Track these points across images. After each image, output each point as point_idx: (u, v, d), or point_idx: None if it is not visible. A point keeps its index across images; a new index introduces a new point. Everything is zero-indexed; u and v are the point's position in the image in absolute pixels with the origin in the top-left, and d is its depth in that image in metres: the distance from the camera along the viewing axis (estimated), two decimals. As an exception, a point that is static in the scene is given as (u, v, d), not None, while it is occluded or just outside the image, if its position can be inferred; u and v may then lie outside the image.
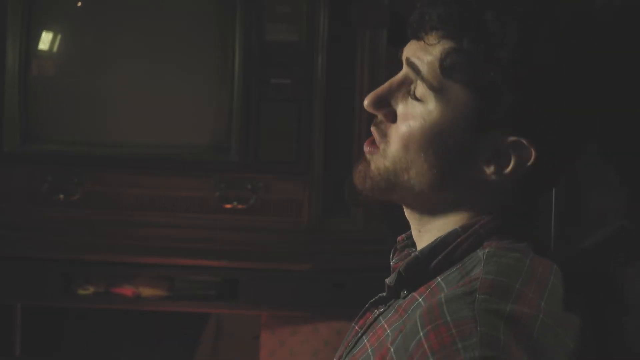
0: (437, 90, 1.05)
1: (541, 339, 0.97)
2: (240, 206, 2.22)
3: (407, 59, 1.08)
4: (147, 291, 2.28)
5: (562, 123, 1.05)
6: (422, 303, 1.04)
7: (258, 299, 2.26)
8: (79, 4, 2.27)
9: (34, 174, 2.23)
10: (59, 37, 2.27)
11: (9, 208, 2.24)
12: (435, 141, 1.06)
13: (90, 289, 2.27)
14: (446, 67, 1.04)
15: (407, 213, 1.15)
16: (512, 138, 1.05)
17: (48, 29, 2.24)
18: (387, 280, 1.12)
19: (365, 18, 2.22)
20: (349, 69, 2.21)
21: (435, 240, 1.09)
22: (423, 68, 1.06)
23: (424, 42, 1.06)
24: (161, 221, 2.23)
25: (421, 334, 0.97)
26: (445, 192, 1.09)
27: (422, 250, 1.10)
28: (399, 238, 1.20)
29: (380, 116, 1.11)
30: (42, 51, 2.24)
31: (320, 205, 2.21)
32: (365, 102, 1.10)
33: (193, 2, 2.23)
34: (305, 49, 2.17)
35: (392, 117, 1.10)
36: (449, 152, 1.06)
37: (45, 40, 2.24)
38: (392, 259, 1.19)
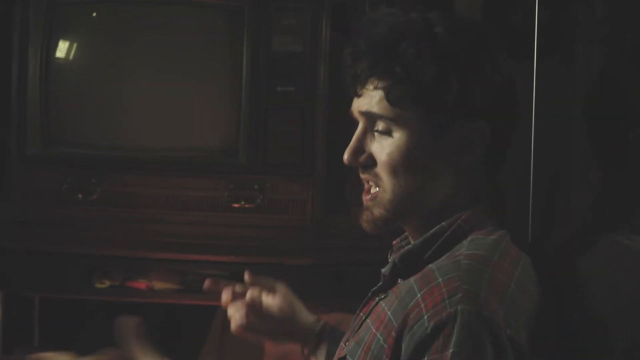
0: (394, 119, 1.22)
1: (512, 300, 1.14)
2: (248, 205, 2.24)
3: (361, 112, 1.26)
4: (159, 284, 2.30)
5: (495, 97, 1.22)
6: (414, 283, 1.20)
7: None
8: (94, 14, 2.30)
9: (55, 175, 2.24)
10: (78, 47, 2.29)
11: (32, 206, 2.26)
12: (413, 157, 1.22)
13: (107, 283, 2.30)
14: (392, 100, 1.21)
15: (408, 229, 1.31)
16: (467, 124, 1.21)
17: (68, 39, 2.27)
18: (383, 270, 1.27)
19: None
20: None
21: (426, 235, 1.25)
22: (377, 110, 1.23)
23: (367, 90, 1.23)
24: (174, 219, 2.25)
25: (418, 295, 1.15)
26: (437, 194, 1.24)
27: (414, 244, 1.26)
28: (394, 242, 1.36)
29: (362, 163, 1.26)
30: (62, 59, 2.27)
31: (322, 204, 2.25)
32: (345, 158, 1.28)
33: (205, 16, 2.25)
34: (309, 59, 2.20)
35: (371, 159, 1.26)
36: (428, 160, 1.23)
37: (66, 50, 2.28)
38: (389, 259, 1.34)
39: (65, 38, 2.28)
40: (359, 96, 1.26)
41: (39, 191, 2.27)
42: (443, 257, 1.23)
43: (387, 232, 1.30)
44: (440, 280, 1.15)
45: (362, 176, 1.28)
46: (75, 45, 2.30)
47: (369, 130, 1.26)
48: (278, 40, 2.22)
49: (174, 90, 2.26)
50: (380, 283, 1.29)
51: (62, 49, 2.28)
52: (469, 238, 1.23)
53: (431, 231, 1.25)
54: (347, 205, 2.26)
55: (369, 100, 1.24)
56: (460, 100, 1.20)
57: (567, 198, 1.83)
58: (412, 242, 1.31)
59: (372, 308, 1.29)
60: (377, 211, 1.26)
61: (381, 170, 1.24)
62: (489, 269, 1.17)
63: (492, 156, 1.26)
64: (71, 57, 2.30)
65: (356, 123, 1.30)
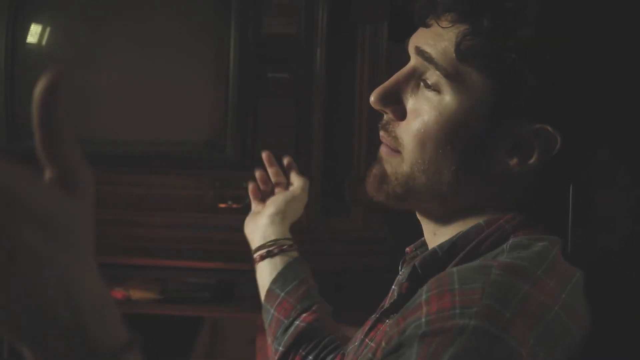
0: (453, 77, 0.98)
1: (551, 329, 0.90)
2: (235, 205, 2.18)
3: (417, 48, 1.02)
4: (137, 294, 2.25)
5: (587, 107, 0.98)
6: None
7: (254, 302, 2.10)
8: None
9: None
10: (48, 29, 2.22)
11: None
12: (454, 134, 0.98)
13: None
14: (463, 51, 0.96)
15: (422, 217, 1.09)
16: (536, 125, 0.98)
17: (36, 21, 2.19)
18: (400, 277, 1.05)
19: (365, 11, 2.19)
20: (349, 63, 2.17)
21: (456, 234, 1.02)
22: (436, 55, 0.99)
23: (438, 25, 0.99)
24: (153, 221, 2.20)
25: (423, 297, 0.90)
26: (467, 191, 1.02)
27: (441, 245, 1.02)
28: (407, 249, 1.14)
29: (388, 114, 1.05)
30: (30, 44, 2.19)
31: (319, 204, 2.17)
32: (372, 99, 1.04)
33: (187, -5, 2.21)
34: (303, 43, 2.13)
35: (401, 114, 1.04)
36: (470, 145, 0.99)
37: (34, 33, 2.19)
38: (401, 271, 1.12)
39: (34, 20, 2.20)
40: (426, 26, 1.02)
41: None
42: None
43: (393, 207, 1.08)
44: (457, 286, 0.90)
45: (381, 134, 1.06)
46: (45, 28, 2.22)
47: (416, 76, 1.03)
48: (269, 22, 2.15)
49: (154, 77, 2.20)
50: (395, 298, 1.06)
51: (31, 32, 2.20)
52: (510, 241, 0.99)
53: (463, 231, 1.02)
54: (347, 206, 2.19)
55: (434, 39, 1.00)
56: (546, 93, 0.96)
57: (598, 200, 1.65)
58: (429, 245, 1.08)
59: (382, 333, 1.06)
60: (390, 178, 1.04)
61: (407, 135, 1.02)
62: (527, 285, 0.92)
63: (555, 168, 1.02)
64: (40, 41, 2.22)
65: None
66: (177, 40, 2.19)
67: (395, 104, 1.04)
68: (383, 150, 1.05)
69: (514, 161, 0.99)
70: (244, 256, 2.15)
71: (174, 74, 2.19)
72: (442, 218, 1.05)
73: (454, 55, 0.97)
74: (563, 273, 0.97)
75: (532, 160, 0.99)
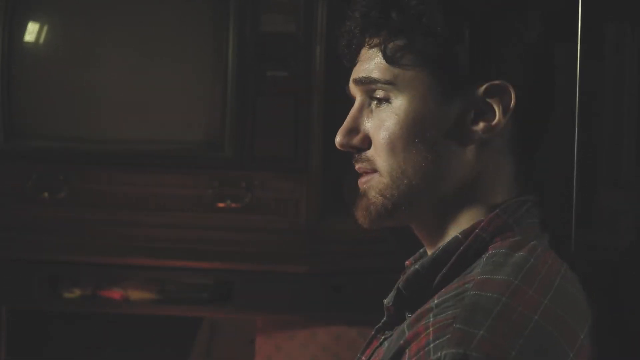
0: (394, 82, 1.05)
1: (535, 339, 0.92)
2: (234, 205, 2.19)
3: (355, 80, 1.08)
4: (135, 294, 2.25)
5: (521, 53, 1.05)
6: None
7: (253, 303, 2.23)
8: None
9: (17, 171, 2.21)
10: (44, 27, 2.23)
11: (-9, 207, 2.25)
12: (418, 129, 1.04)
13: (77, 292, 2.26)
14: (390, 56, 1.04)
15: (418, 230, 1.11)
16: (484, 85, 1.03)
17: (33, 19, 2.20)
18: (386, 301, 1.06)
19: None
20: (349, 61, 2.18)
21: (435, 250, 1.04)
22: (373, 73, 1.06)
23: (363, 54, 1.07)
24: (151, 221, 2.21)
25: (403, 338, 0.96)
26: (450, 177, 1.05)
27: (422, 264, 1.05)
28: (407, 262, 1.16)
29: (356, 145, 1.09)
30: (26, 42, 2.20)
31: (318, 204, 2.19)
32: (337, 140, 1.10)
33: (185, -8, 2.22)
34: (302, 40, 2.13)
35: (367, 142, 1.08)
36: (437, 131, 1.04)
37: (31, 31, 2.21)
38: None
39: (30, 18, 2.21)
40: (356, 64, 1.09)
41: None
42: (454, 282, 1.02)
43: (389, 227, 1.12)
44: (431, 319, 0.95)
45: (356, 166, 1.10)
46: (41, 26, 2.23)
47: (367, 105, 1.09)
48: (268, 20, 2.16)
49: (151, 76, 2.21)
50: (385, 318, 1.07)
51: (27, 30, 2.21)
52: (488, 253, 1.02)
53: (442, 245, 1.04)
54: (346, 206, 2.13)
55: (367, 64, 1.07)
56: (477, 54, 1.03)
57: (601, 199, 1.66)
58: (428, 250, 1.09)
59: (375, 350, 1.08)
60: (374, 197, 1.07)
61: (377, 150, 1.07)
62: (504, 298, 0.95)
63: (521, 134, 1.07)
64: (37, 39, 2.23)
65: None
66: (175, 38, 2.19)
67: (357, 134, 1.08)
68: (362, 180, 1.09)
69: (480, 126, 1.03)
70: (243, 256, 2.21)
71: (172, 72, 2.19)
72: (435, 224, 1.07)
73: (387, 64, 1.04)
74: (544, 278, 0.99)
75: (496, 120, 1.03)
